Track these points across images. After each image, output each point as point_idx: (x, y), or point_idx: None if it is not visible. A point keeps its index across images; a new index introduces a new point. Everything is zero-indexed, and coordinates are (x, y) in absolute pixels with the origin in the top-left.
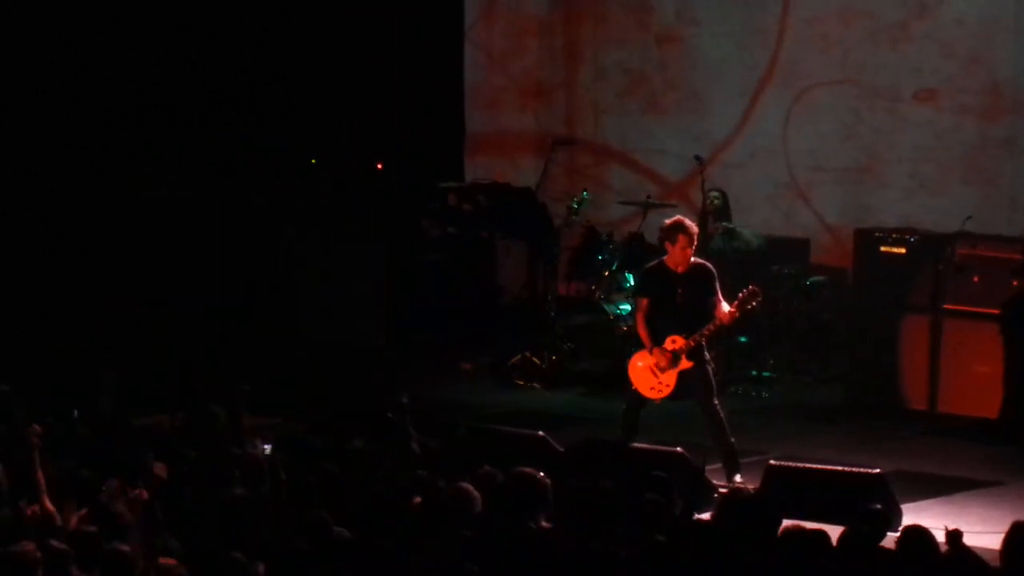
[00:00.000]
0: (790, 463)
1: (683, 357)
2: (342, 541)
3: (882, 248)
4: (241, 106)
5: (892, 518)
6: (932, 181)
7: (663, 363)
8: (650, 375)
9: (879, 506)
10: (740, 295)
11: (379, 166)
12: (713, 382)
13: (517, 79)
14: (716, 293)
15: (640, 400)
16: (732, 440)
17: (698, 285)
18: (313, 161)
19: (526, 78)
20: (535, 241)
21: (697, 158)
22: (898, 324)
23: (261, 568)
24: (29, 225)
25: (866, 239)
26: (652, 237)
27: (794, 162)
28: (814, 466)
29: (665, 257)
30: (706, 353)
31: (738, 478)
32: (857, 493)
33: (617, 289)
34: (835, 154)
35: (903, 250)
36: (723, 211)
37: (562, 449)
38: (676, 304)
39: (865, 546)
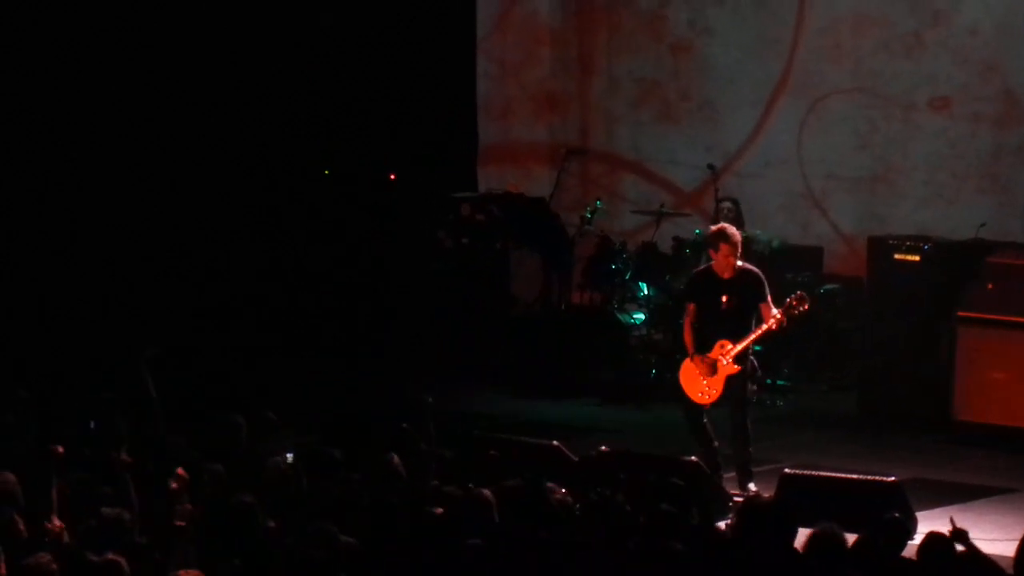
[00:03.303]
0: (805, 471)
1: (729, 362)
2: (353, 551)
3: (896, 256)
4: (254, 118)
5: (909, 526)
6: (946, 189)
7: (705, 369)
8: (698, 380)
9: (897, 515)
10: (788, 300)
11: (392, 177)
12: (748, 390)
13: (530, 90)
14: (765, 299)
15: (696, 407)
16: (751, 451)
17: (745, 291)
18: (327, 172)
19: (539, 89)
20: (549, 251)
21: (711, 167)
22: (913, 332)
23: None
24: (55, 231)
25: (880, 247)
26: (666, 246)
27: (808, 171)
28: (829, 474)
29: (712, 263)
30: (752, 360)
31: (752, 487)
32: (873, 501)
33: (631, 299)
34: (849, 163)
35: (917, 258)
36: (736, 221)
37: (576, 458)
38: (722, 310)
39: (884, 555)
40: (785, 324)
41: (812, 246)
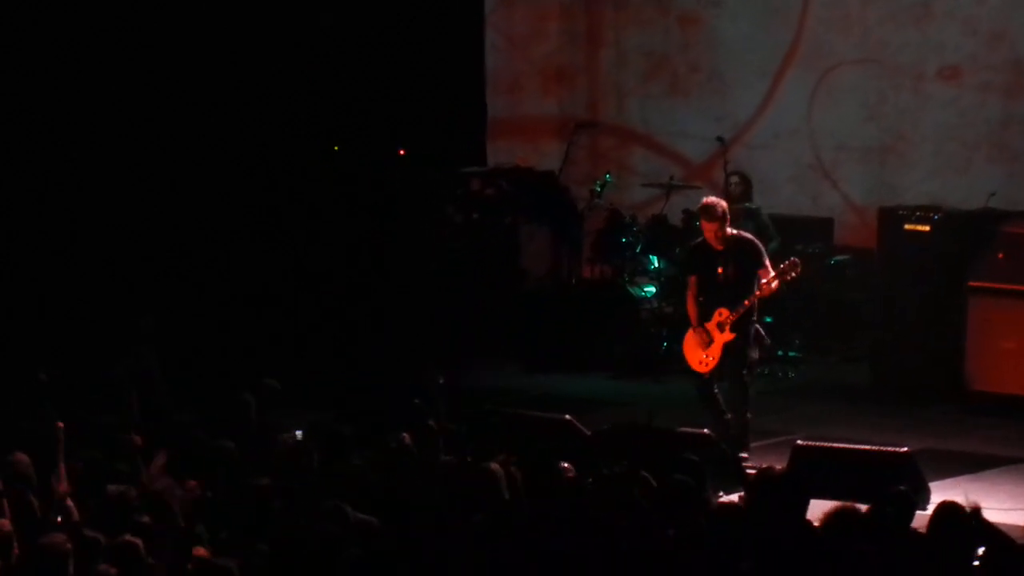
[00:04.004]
0: (818, 443)
1: (726, 329)
2: (366, 528)
3: (907, 226)
4: (262, 95)
5: (919, 498)
6: (956, 159)
7: (703, 338)
8: (698, 350)
9: (903, 487)
10: (781, 266)
11: (401, 152)
12: (748, 356)
13: (538, 64)
14: (763, 265)
15: (704, 379)
16: (749, 417)
17: (739, 259)
18: (336, 148)
19: (547, 63)
20: (558, 225)
21: (720, 139)
22: (924, 302)
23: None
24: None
25: (890, 217)
26: (675, 219)
27: (818, 142)
28: (842, 445)
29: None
30: (757, 328)
31: (743, 455)
32: (885, 472)
33: (641, 272)
34: (859, 134)
35: (928, 228)
36: (744, 195)
37: (589, 433)
38: (719, 281)
39: (892, 527)
40: (775, 289)
41: (822, 217)
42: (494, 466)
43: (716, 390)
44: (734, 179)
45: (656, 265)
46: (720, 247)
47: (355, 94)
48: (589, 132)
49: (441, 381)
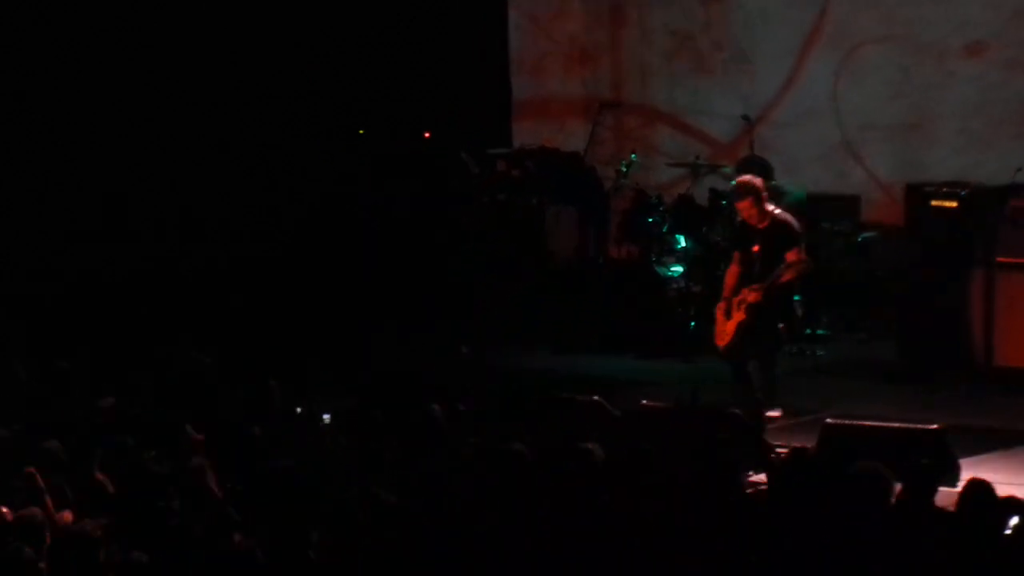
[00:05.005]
0: (847, 421)
1: (741, 308)
2: (397, 512)
3: (933, 203)
4: (287, 78)
5: (949, 475)
6: (982, 135)
7: (723, 313)
8: (720, 323)
9: (925, 460)
10: (795, 260)
11: (427, 135)
12: (770, 337)
13: (562, 44)
14: (791, 248)
15: (724, 355)
16: (768, 389)
17: (772, 240)
18: (361, 132)
19: (571, 43)
20: (584, 206)
21: (745, 118)
22: (951, 278)
23: (315, 536)
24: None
25: (917, 194)
26: (702, 198)
27: (844, 120)
28: (872, 423)
29: None
30: (791, 307)
31: (773, 413)
32: (915, 449)
33: (668, 251)
34: (884, 111)
35: (954, 204)
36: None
37: (618, 413)
38: (752, 258)
39: (917, 500)
40: (793, 278)
41: (849, 195)
42: (521, 448)
43: (750, 369)
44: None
45: (683, 245)
46: (762, 225)
47: (380, 77)
48: (614, 112)
49: (464, 350)
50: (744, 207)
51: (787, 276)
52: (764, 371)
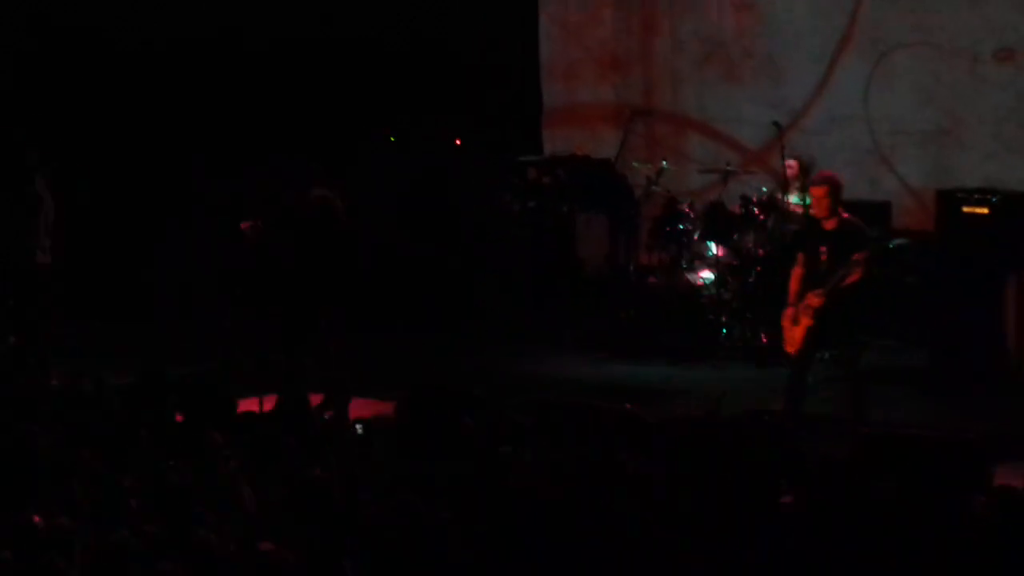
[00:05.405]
0: (880, 430)
1: (809, 314)
2: (434, 521)
3: (965, 209)
4: (319, 83)
5: (979, 481)
6: (1014, 141)
7: (790, 319)
8: (787, 330)
9: (956, 468)
10: (857, 257)
11: (458, 142)
12: (846, 343)
13: (593, 51)
14: (863, 251)
15: (796, 362)
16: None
17: (843, 241)
18: (392, 139)
19: (602, 50)
20: (615, 213)
21: (776, 125)
22: (983, 285)
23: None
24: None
25: (948, 200)
26: (732, 205)
27: (874, 126)
28: (905, 431)
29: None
30: (852, 308)
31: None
32: (949, 458)
33: (699, 258)
34: (915, 117)
35: (986, 210)
36: (802, 178)
37: (652, 422)
38: (820, 262)
39: (948, 511)
40: (863, 277)
41: (880, 201)
42: (551, 457)
43: (811, 379)
44: (789, 163)
45: (714, 252)
46: (830, 227)
47: (411, 84)
48: (645, 119)
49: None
50: (819, 194)
51: (854, 277)
52: (850, 381)
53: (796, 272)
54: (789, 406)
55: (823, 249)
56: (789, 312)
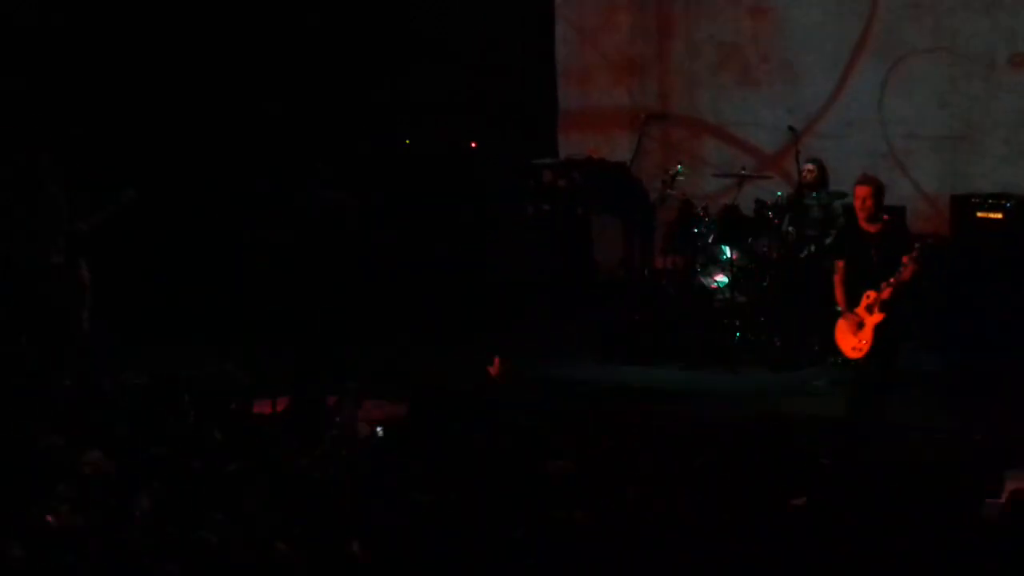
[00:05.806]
0: (891, 433)
1: (875, 311)
2: (444, 523)
3: (979, 214)
4: (333, 86)
5: (991, 484)
6: None
7: (853, 324)
8: (850, 336)
9: (969, 472)
10: (913, 252)
11: (473, 145)
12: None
13: (609, 55)
14: (909, 251)
15: (858, 367)
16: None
17: (890, 242)
18: (408, 141)
19: (618, 54)
20: (630, 216)
21: (791, 129)
22: (997, 289)
23: (356, 546)
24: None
25: (963, 205)
26: (748, 209)
27: (890, 131)
28: (916, 435)
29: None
30: (909, 304)
31: None
32: (960, 461)
33: (714, 262)
34: (930, 122)
35: (1000, 216)
36: (819, 182)
37: (666, 425)
38: (870, 265)
39: (960, 513)
40: (917, 270)
41: (895, 206)
42: (564, 465)
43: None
44: (808, 166)
45: (728, 255)
46: (872, 229)
47: (426, 87)
48: (660, 123)
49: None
50: (863, 194)
51: (908, 273)
52: (869, 383)
53: (838, 280)
54: (856, 411)
55: (873, 254)
56: (847, 320)
